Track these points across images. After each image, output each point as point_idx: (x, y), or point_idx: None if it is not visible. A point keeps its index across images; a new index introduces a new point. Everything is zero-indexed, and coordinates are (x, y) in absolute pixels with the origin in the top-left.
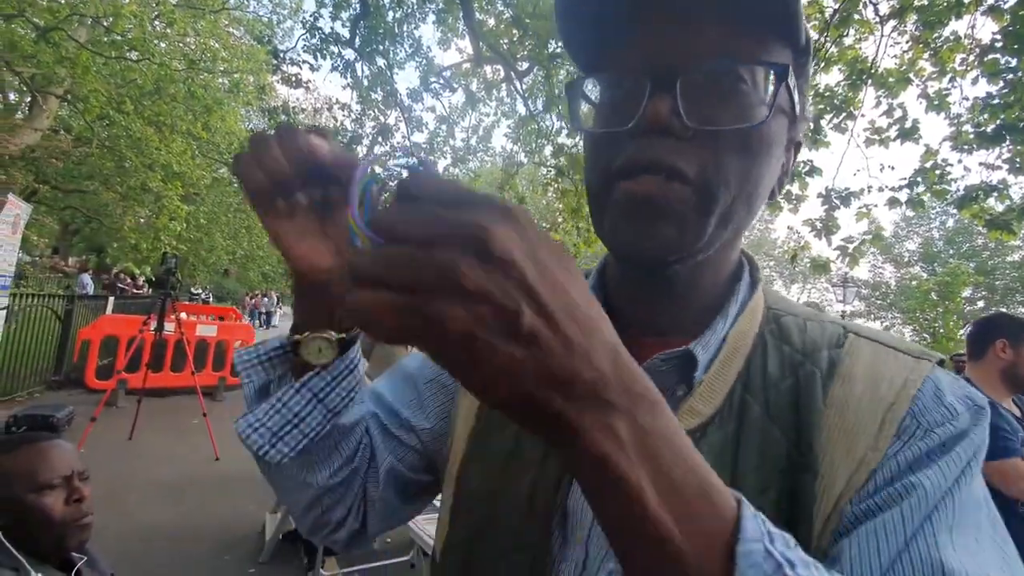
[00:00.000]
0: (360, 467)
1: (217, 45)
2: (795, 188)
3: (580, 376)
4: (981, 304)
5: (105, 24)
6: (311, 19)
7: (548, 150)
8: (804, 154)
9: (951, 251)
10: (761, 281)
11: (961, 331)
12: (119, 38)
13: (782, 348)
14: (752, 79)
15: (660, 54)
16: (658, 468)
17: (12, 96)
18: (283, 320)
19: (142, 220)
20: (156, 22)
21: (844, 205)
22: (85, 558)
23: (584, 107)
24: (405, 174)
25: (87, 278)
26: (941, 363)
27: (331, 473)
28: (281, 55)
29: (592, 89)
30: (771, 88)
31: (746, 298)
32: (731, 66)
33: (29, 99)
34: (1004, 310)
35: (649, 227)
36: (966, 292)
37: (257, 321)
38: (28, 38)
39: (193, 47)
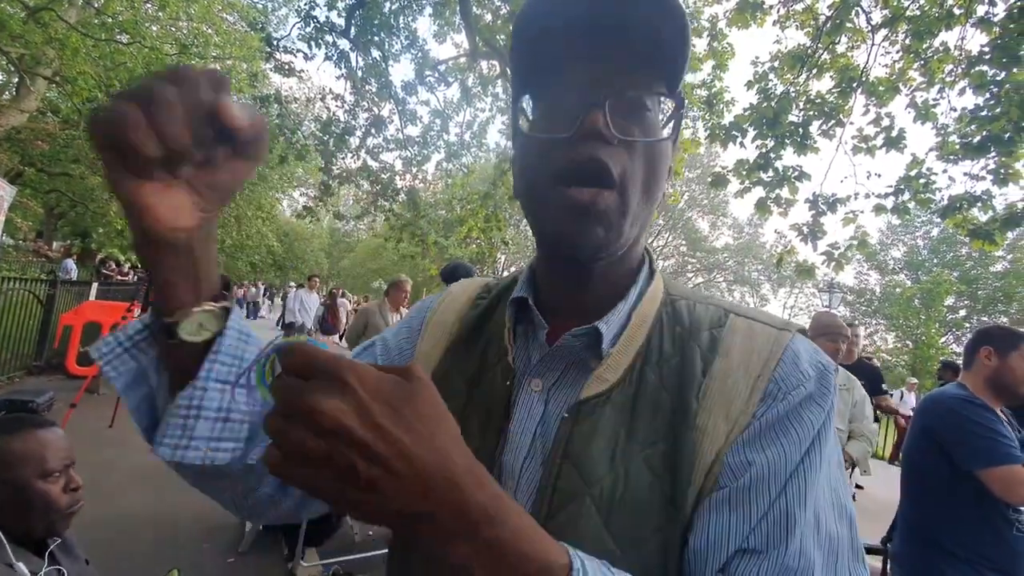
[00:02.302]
0: None
1: (210, 30)
2: (784, 192)
3: (421, 511)
4: (963, 313)
5: (96, 5)
6: (306, 7)
7: None
8: (792, 159)
9: (935, 260)
10: (658, 271)
11: (942, 339)
12: (110, 20)
13: (674, 328)
14: (654, 107)
15: (593, 81)
16: (502, 566)
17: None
18: (271, 312)
19: None
20: (148, 5)
21: (831, 211)
22: (59, 540)
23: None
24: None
25: (71, 263)
26: (803, 332)
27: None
28: (275, 43)
29: (527, 107)
30: (669, 113)
31: (645, 286)
32: (645, 95)
33: (16, 79)
34: (985, 319)
35: (588, 229)
36: (949, 301)
37: (244, 311)
38: (17, 17)
39: (185, 31)
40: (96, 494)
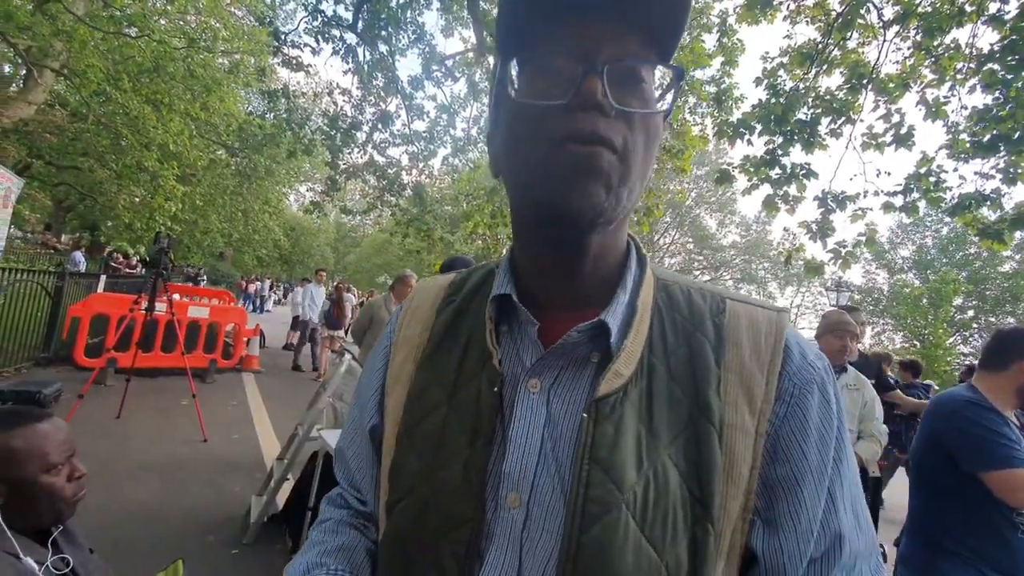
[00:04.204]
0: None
1: (218, 24)
2: (792, 190)
3: None
4: (971, 313)
5: None
6: (313, 1)
7: None
8: (801, 156)
9: (944, 260)
10: (647, 257)
11: (950, 339)
12: (118, 13)
13: (674, 316)
14: (649, 77)
15: (590, 47)
16: None
17: (7, 68)
18: (276, 308)
19: (137, 199)
20: None
21: (840, 208)
22: (61, 527)
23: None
24: None
25: (80, 255)
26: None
27: None
28: (282, 37)
29: (514, 71)
30: (666, 84)
31: (638, 272)
32: (643, 64)
33: (24, 72)
34: (993, 320)
35: (588, 187)
36: (957, 301)
37: (251, 305)
38: (24, 9)
39: (193, 25)
40: (102, 485)
